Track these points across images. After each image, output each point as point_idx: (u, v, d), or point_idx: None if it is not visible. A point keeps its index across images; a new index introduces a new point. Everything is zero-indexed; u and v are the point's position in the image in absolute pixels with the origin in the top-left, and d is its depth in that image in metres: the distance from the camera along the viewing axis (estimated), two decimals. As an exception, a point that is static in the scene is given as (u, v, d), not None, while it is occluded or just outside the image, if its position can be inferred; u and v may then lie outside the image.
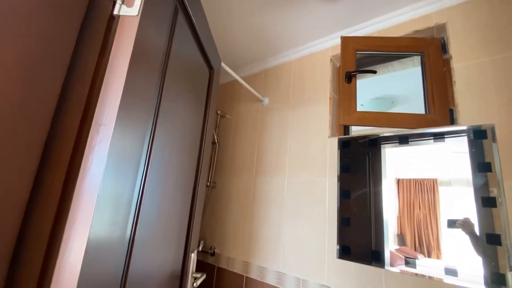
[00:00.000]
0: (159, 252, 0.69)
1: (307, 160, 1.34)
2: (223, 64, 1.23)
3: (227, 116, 1.87)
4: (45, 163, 0.40)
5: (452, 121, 1.06)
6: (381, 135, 1.13)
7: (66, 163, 0.41)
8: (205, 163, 1.01)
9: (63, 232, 0.40)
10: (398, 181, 1.06)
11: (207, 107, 1.04)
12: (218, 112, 1.81)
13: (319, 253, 1.18)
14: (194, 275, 0.85)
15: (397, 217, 1.04)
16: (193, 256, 0.86)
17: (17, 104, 0.37)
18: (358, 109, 1.20)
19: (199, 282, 0.84)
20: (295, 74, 1.56)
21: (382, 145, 1.13)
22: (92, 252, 0.42)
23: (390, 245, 1.02)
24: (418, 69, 1.20)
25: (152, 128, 0.61)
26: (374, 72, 1.24)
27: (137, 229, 0.57)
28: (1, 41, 0.35)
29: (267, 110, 1.63)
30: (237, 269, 1.44)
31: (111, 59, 0.48)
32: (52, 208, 0.39)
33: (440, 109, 1.08)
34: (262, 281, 1.32)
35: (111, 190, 0.46)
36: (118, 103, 0.45)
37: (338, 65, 1.48)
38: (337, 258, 1.10)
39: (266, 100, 1.64)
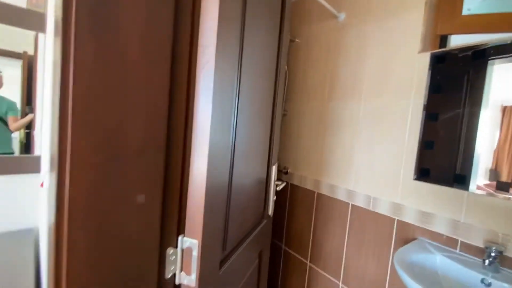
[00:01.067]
0: (250, 163, 0.85)
1: (388, 81, 1.23)
2: (295, -23, 1.12)
3: (296, 40, 1.77)
4: (173, 83, 0.51)
5: None
6: (492, 44, 0.92)
7: (185, 82, 0.51)
8: (280, 89, 1.05)
9: (191, 131, 0.54)
10: (505, 108, 0.90)
11: (282, 30, 1.01)
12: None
13: (394, 174, 1.19)
14: (276, 182, 1.02)
15: (494, 149, 0.92)
16: (274, 168, 1.01)
17: (150, 41, 0.46)
18: (463, 14, 0.97)
19: (281, 187, 1.01)
20: (381, -23, 1.30)
21: (490, 60, 0.93)
22: (212, 150, 0.55)
23: (479, 179, 0.94)
24: None
25: (240, 51, 0.66)
26: (499, -45, 0.93)
27: (236, 141, 0.70)
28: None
29: (343, 27, 1.47)
30: (309, 186, 1.61)
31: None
32: (182, 115, 0.52)
33: None
34: (332, 196, 1.46)
35: (218, 105, 0.56)
36: (216, 26, 0.50)
37: (442, -45, 1.14)
38: (413, 180, 1.11)
39: (342, 16, 1.46)
